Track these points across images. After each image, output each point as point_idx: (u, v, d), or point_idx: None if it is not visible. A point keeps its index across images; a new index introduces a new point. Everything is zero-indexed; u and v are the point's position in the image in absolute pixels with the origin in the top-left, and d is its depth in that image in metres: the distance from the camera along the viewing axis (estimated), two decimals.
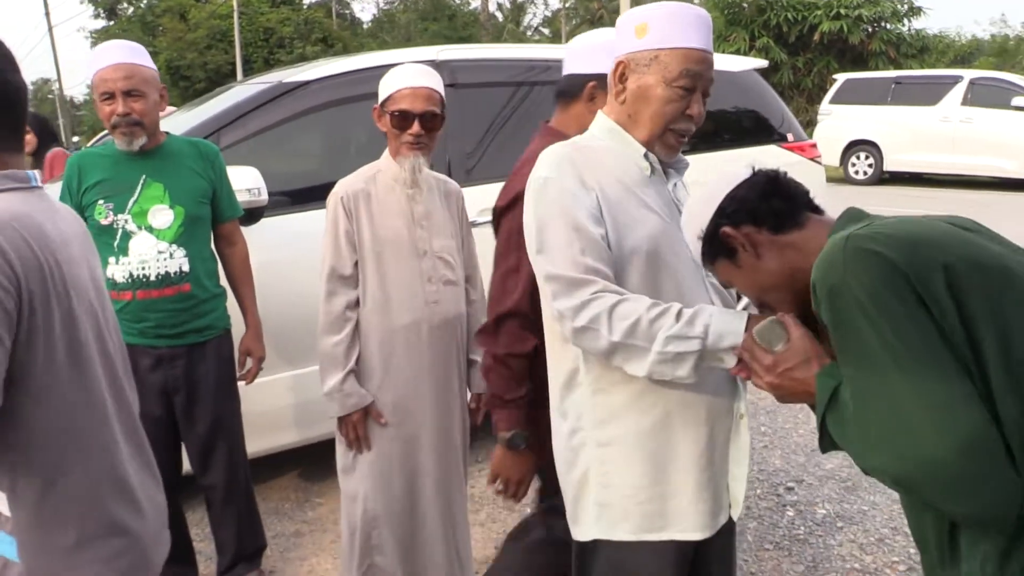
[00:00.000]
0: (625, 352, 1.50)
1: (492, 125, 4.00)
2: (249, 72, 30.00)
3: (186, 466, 2.92)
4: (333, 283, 2.42)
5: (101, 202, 2.61)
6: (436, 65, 3.85)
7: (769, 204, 1.37)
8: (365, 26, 44.21)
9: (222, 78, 31.34)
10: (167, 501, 2.77)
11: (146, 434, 2.66)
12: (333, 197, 2.43)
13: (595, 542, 1.70)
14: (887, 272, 1.09)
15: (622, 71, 1.64)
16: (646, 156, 1.66)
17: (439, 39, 35.46)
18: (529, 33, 41.45)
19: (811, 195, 1.43)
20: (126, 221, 2.61)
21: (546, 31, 41.91)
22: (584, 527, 1.71)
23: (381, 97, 2.40)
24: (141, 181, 2.63)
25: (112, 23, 38.44)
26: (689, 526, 1.64)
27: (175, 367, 2.70)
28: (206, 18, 33.42)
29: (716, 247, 1.41)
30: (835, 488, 3.53)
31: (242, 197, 3.05)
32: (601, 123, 1.72)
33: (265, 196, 3.20)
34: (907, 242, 1.11)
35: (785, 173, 1.43)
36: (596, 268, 1.54)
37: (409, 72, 2.39)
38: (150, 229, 2.63)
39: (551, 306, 1.57)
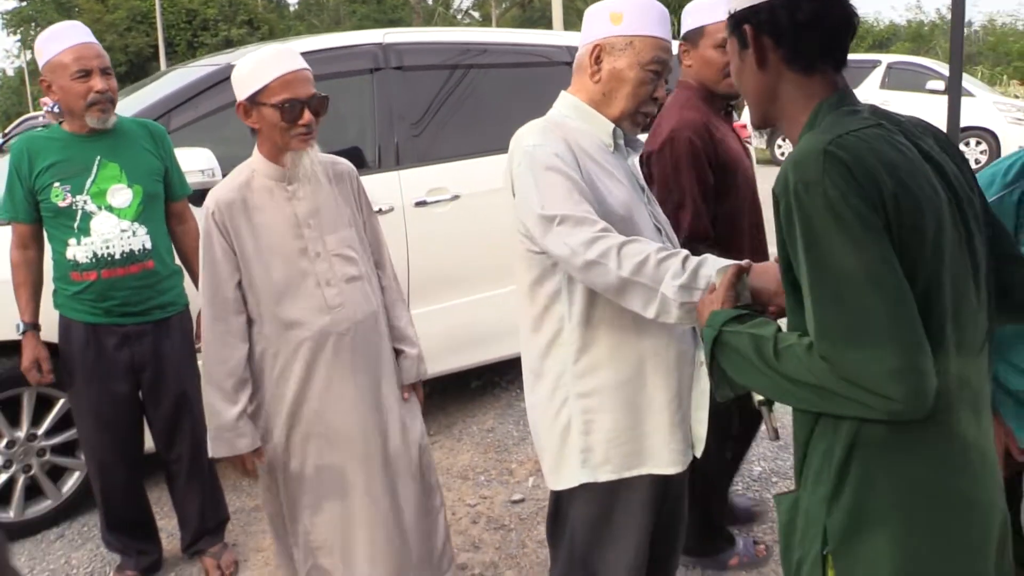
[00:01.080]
0: (632, 289, 1.59)
1: (437, 106, 4.09)
2: (172, 56, 29.21)
3: (147, 444, 2.96)
4: (215, 308, 2.16)
5: (57, 184, 2.63)
6: (383, 48, 3.94)
7: (799, 35, 1.30)
8: (292, 8, 43.41)
9: (143, 61, 30.51)
10: (132, 480, 2.87)
11: (112, 413, 2.75)
12: (205, 213, 2.15)
13: (576, 488, 1.84)
14: (850, 182, 1.14)
15: (598, 54, 1.80)
16: (613, 132, 1.82)
17: (368, 22, 35.07)
18: (459, 16, 41.30)
19: (844, 50, 1.35)
20: (85, 202, 2.64)
21: (476, 15, 41.81)
22: (568, 474, 1.84)
23: (247, 90, 2.08)
24: (96, 162, 2.67)
25: (24, 3, 36.94)
26: (663, 462, 1.81)
27: (142, 344, 2.75)
28: None
29: (735, 30, 1.38)
30: (770, 447, 3.76)
31: (196, 178, 3.09)
32: (567, 101, 1.87)
33: (219, 176, 3.25)
34: (876, 161, 1.16)
35: (849, 13, 1.33)
36: (595, 216, 1.66)
37: (281, 56, 2.09)
38: (110, 208, 2.66)
39: (557, 244, 1.64)
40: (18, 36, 38.69)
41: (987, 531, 1.25)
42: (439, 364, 4.06)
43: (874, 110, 1.31)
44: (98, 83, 2.60)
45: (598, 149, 1.81)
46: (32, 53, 37.07)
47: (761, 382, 1.27)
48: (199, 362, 2.90)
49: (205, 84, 3.55)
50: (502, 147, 3.89)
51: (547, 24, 22.88)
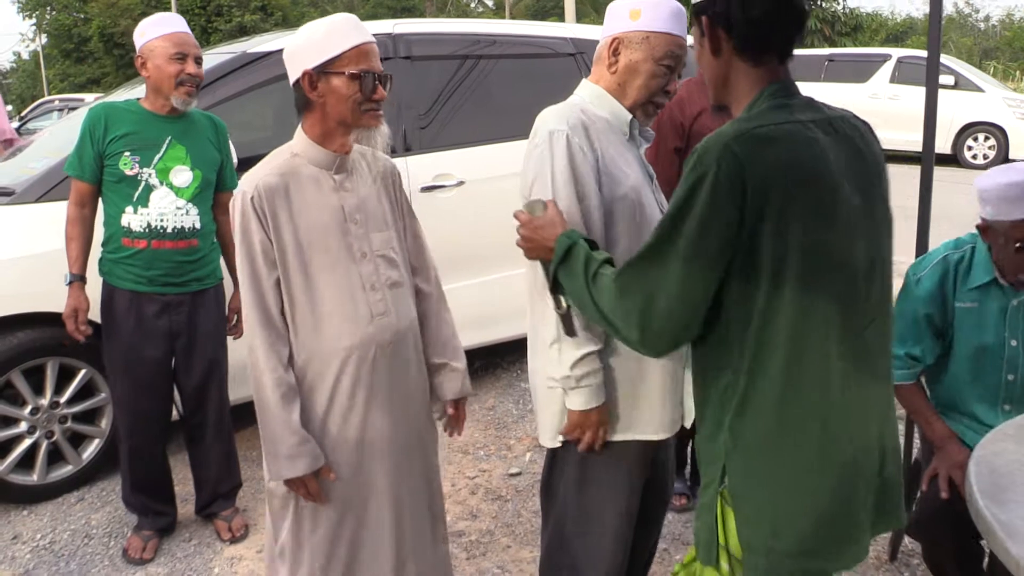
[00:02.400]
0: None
1: (444, 95, 4.24)
2: None
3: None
4: (261, 310, 1.90)
5: (127, 154, 2.84)
6: (392, 39, 4.09)
7: (748, 29, 1.45)
8: None
9: None
10: (158, 442, 3.03)
11: (146, 377, 2.92)
12: (240, 198, 1.90)
13: (567, 450, 1.94)
14: (735, 181, 1.33)
15: (616, 46, 1.92)
16: (630, 122, 1.96)
17: (381, 10, 35.17)
18: (473, 5, 41.32)
19: (791, 44, 1.51)
20: (150, 175, 2.85)
21: (490, 3, 41.81)
22: (557, 433, 1.94)
23: (317, 58, 1.87)
24: (167, 141, 2.89)
25: None
26: (652, 428, 1.92)
27: (179, 313, 2.96)
28: None
29: (696, 20, 1.53)
30: None
31: None
32: (590, 90, 1.98)
33: (235, 160, 3.40)
34: (772, 163, 1.35)
35: (801, 12, 1.49)
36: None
37: (355, 25, 1.92)
38: (171, 186, 2.88)
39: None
40: (33, 20, 38.98)
41: (857, 480, 1.45)
42: None
43: (808, 103, 1.48)
44: (191, 67, 2.86)
45: (614, 134, 1.94)
46: (46, 37, 37.23)
47: (575, 289, 1.57)
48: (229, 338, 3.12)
49: (221, 72, 3.71)
50: (506, 135, 4.12)
51: (560, 14, 22.94)
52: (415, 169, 4.02)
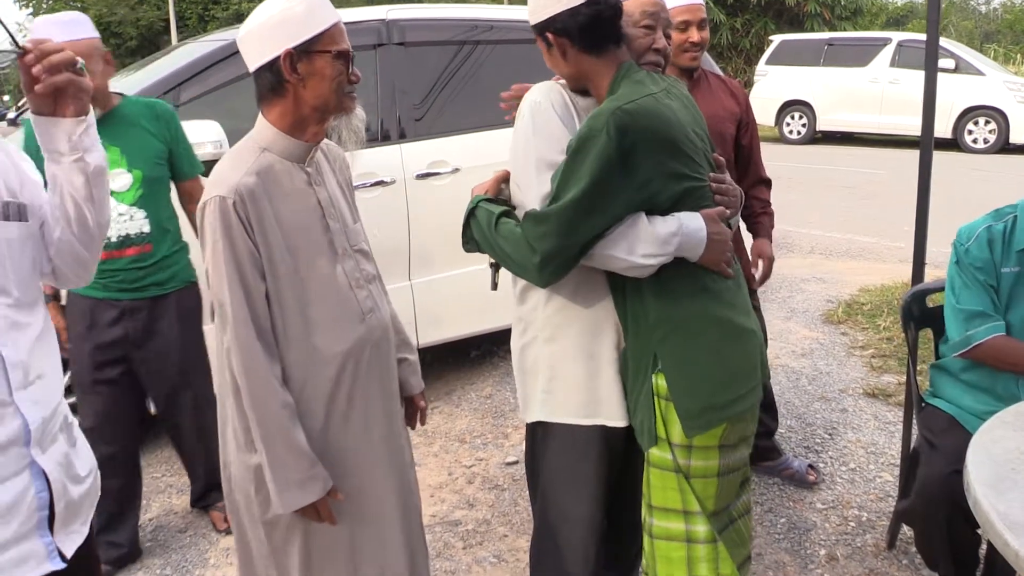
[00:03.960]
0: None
1: (439, 82, 4.20)
2: (183, 29, 29.22)
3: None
4: (253, 327, 1.70)
5: None
6: (386, 24, 4.04)
7: (584, 31, 1.82)
8: None
9: (154, 35, 30.50)
10: (117, 454, 2.89)
11: (101, 384, 2.81)
12: (218, 205, 1.67)
13: (541, 423, 2.05)
14: (617, 149, 1.69)
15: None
16: None
17: None
18: None
19: (619, 32, 1.86)
20: None
21: None
22: (532, 410, 2.06)
23: (299, 36, 1.68)
24: None
25: None
26: (614, 414, 1.97)
27: (136, 319, 2.83)
28: None
29: (540, 36, 1.88)
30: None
31: (207, 150, 3.22)
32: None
33: (227, 149, 3.37)
34: (644, 136, 1.71)
35: (615, 8, 1.84)
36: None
37: (327, 1, 1.76)
38: (110, 192, 2.75)
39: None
40: (30, 9, 38.74)
41: (757, 343, 1.92)
42: (439, 333, 4.21)
43: (650, 75, 1.85)
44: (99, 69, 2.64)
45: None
46: None
47: (484, 242, 1.89)
48: (207, 339, 2.96)
49: (214, 59, 3.66)
50: (502, 122, 4.04)
51: None
52: (410, 156, 3.98)
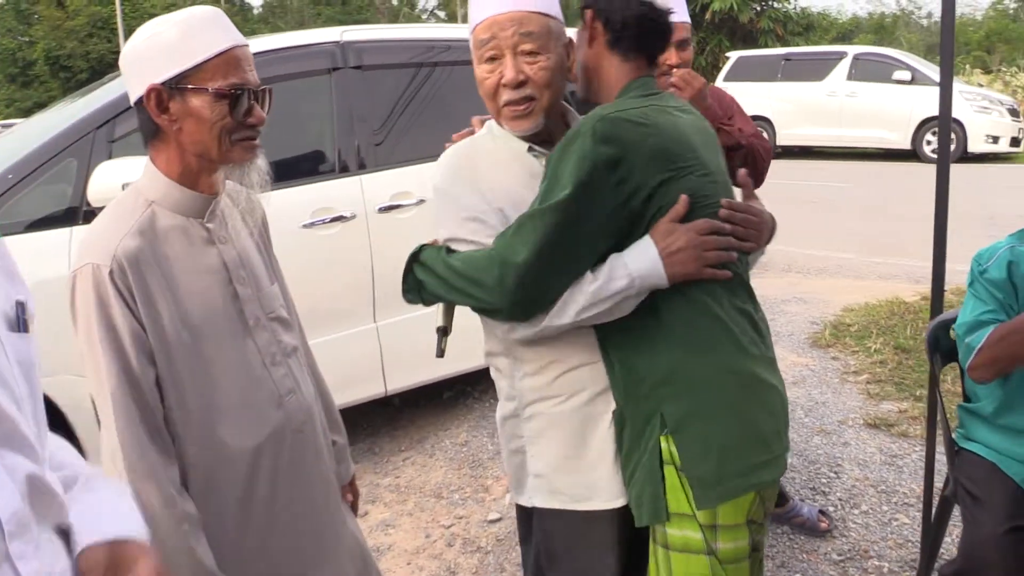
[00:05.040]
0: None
1: (400, 107, 3.91)
2: None
3: None
4: (141, 424, 1.37)
5: None
6: (341, 47, 3.74)
7: (626, 27, 1.59)
8: (256, 11, 42.89)
9: (105, 67, 29.93)
10: None
11: None
12: (90, 275, 1.37)
13: (536, 508, 1.75)
14: (602, 155, 1.46)
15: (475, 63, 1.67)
16: (530, 150, 1.67)
17: (333, 23, 34.69)
18: (425, 16, 41.02)
19: (655, 50, 1.66)
20: None
21: (442, 14, 41.53)
22: (527, 495, 1.76)
23: (166, 70, 1.38)
24: None
25: None
26: (611, 495, 1.67)
27: None
28: (86, 4, 31.78)
29: (581, 10, 1.65)
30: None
31: None
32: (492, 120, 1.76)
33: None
34: (635, 144, 1.48)
35: (664, 23, 1.63)
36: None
37: (218, 24, 1.42)
38: None
39: None
40: None
41: (782, 402, 1.64)
42: (409, 377, 3.89)
43: (665, 97, 1.62)
44: None
45: (524, 172, 1.65)
46: None
47: (431, 278, 1.59)
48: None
49: None
50: None
51: None
52: (371, 188, 3.67)
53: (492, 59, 1.58)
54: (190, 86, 1.38)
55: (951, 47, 2.33)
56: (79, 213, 3.06)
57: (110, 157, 3.12)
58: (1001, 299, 2.08)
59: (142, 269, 1.39)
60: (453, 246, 1.61)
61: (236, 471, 1.48)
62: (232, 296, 1.50)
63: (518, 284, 1.47)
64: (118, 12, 27.31)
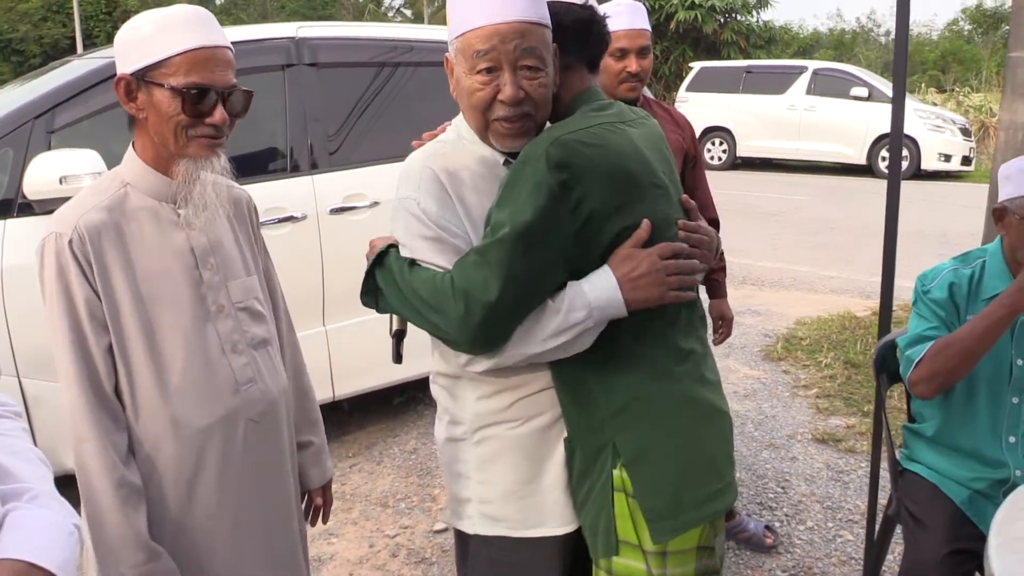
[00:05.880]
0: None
1: (356, 107, 3.84)
2: (91, 48, 28.07)
3: None
4: (90, 387, 1.44)
5: None
6: (295, 43, 3.66)
7: (562, 36, 1.56)
8: (218, 2, 42.25)
9: (60, 52, 29.21)
10: None
11: None
12: (53, 243, 1.44)
13: (476, 536, 1.68)
14: (557, 180, 1.42)
15: (450, 67, 1.56)
16: (507, 163, 1.58)
17: (296, 18, 34.36)
18: (391, 14, 40.78)
19: (598, 61, 1.65)
20: None
21: (408, 12, 41.34)
22: (465, 521, 1.69)
23: (136, 61, 1.45)
24: None
25: None
26: (563, 520, 1.63)
27: None
28: None
29: None
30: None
31: (84, 183, 2.78)
32: (459, 117, 1.64)
33: None
34: (590, 167, 1.44)
35: (602, 21, 1.63)
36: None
37: (197, 22, 1.47)
38: None
39: None
40: None
41: (730, 426, 1.63)
42: (358, 382, 3.82)
43: (615, 109, 1.58)
44: None
45: (489, 166, 1.57)
46: None
47: (392, 289, 1.52)
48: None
49: (97, 78, 3.21)
50: None
51: None
52: (323, 189, 3.60)
53: (489, 71, 1.47)
54: (153, 80, 1.45)
55: (904, 66, 2.34)
56: (14, 205, 2.95)
57: (49, 148, 3.00)
58: (943, 317, 2.09)
59: (102, 242, 1.46)
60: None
61: (183, 449, 1.51)
62: (196, 281, 1.55)
63: (483, 321, 1.41)
64: None
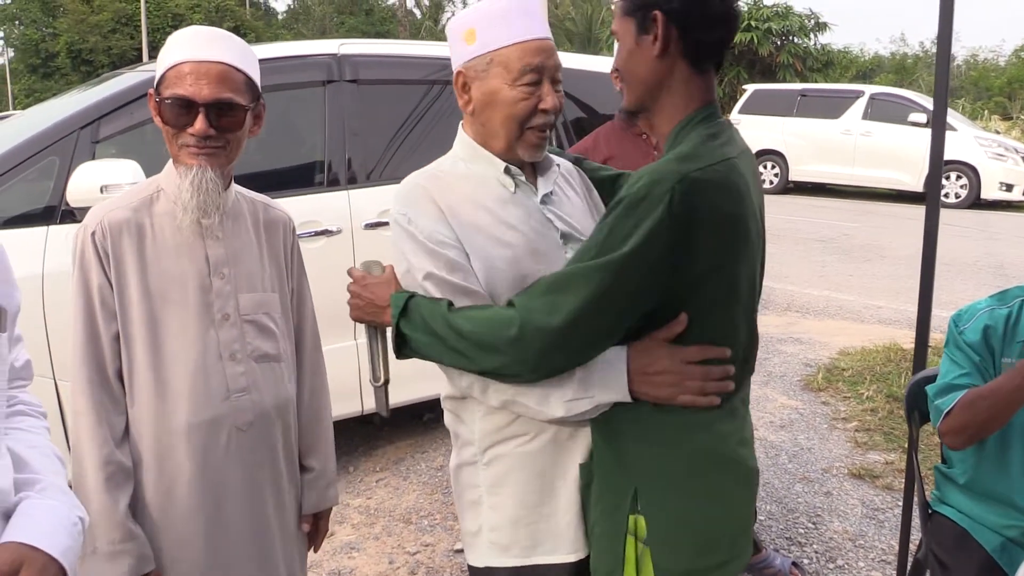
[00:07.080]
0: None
1: (395, 123, 3.87)
2: (156, 59, 28.90)
3: None
4: (93, 365, 1.55)
5: None
6: (337, 60, 3.71)
7: (706, 32, 1.40)
8: (280, 17, 43.24)
9: (127, 63, 30.14)
10: None
11: None
12: (81, 233, 1.57)
13: (487, 568, 1.64)
14: (675, 224, 1.30)
15: (463, 82, 1.57)
16: (507, 171, 1.58)
17: (355, 34, 34.96)
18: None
19: (723, 55, 1.48)
20: None
21: None
22: (476, 553, 1.66)
23: (157, 74, 1.59)
24: None
25: (10, 1, 36.54)
26: (574, 547, 1.59)
27: None
28: (111, 0, 32.07)
29: (637, 11, 1.42)
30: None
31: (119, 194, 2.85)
32: (462, 140, 1.64)
33: None
34: (710, 219, 1.32)
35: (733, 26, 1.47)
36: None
37: (194, 39, 1.56)
38: None
39: None
40: (1, 33, 38.25)
41: (757, 486, 1.56)
42: (391, 397, 3.82)
43: (727, 129, 1.43)
44: None
45: (493, 194, 1.57)
46: (13, 51, 36.60)
47: (427, 339, 1.44)
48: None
49: (140, 91, 3.30)
50: None
51: None
52: (359, 204, 3.63)
53: (534, 83, 1.52)
54: (158, 93, 1.57)
55: (945, 89, 2.27)
56: (57, 212, 3.03)
57: (93, 158, 3.08)
58: (977, 362, 2.00)
59: (122, 237, 1.57)
60: (428, 284, 1.50)
61: (168, 444, 1.58)
62: (206, 287, 1.62)
63: (543, 350, 1.35)
64: (142, 9, 27.56)
